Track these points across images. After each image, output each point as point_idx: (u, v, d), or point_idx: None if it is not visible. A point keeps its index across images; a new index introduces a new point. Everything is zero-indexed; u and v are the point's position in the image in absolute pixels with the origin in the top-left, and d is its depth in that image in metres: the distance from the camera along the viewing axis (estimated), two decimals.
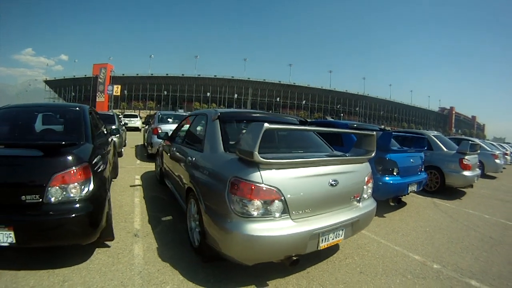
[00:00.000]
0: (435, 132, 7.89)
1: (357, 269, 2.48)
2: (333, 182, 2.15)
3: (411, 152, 4.78)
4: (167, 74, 69.71)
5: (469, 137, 15.10)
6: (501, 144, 16.80)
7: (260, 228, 1.84)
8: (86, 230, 2.18)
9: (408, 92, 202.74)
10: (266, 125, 1.81)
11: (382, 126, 11.38)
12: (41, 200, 2.03)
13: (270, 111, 62.61)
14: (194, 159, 2.76)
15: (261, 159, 1.82)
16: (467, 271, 2.63)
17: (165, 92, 67.27)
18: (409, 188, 4.38)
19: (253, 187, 1.86)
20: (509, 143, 28.76)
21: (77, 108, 3.34)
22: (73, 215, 2.07)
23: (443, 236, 3.53)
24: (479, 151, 7.18)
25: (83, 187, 2.15)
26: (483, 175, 8.94)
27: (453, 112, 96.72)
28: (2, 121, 3.11)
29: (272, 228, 1.86)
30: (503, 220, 4.50)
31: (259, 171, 1.89)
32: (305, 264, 2.41)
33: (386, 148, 4.16)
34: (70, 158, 2.14)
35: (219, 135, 2.56)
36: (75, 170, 2.11)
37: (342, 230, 2.19)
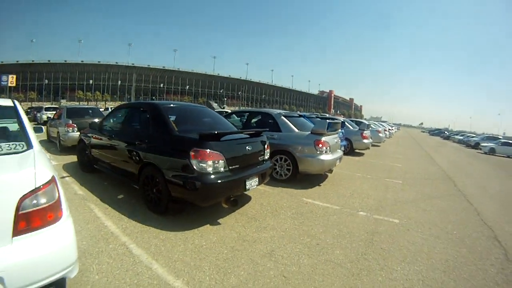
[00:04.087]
0: (342, 117, 12.09)
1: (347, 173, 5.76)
2: (336, 141, 5.39)
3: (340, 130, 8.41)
4: (49, 61, 59.31)
5: (350, 118, 20.87)
6: (381, 123, 23.89)
7: (323, 156, 4.75)
8: (271, 174, 4.07)
9: (289, 77, 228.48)
10: (328, 120, 4.88)
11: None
12: (263, 158, 3.84)
13: (154, 98, 63.24)
14: (277, 136, 5.08)
15: (328, 133, 4.81)
16: (383, 178, 6.40)
17: (47, 81, 57.78)
18: (342, 148, 7.93)
19: (325, 142, 4.76)
20: (386, 121, 39.18)
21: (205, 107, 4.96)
22: (271, 165, 3.98)
23: (365, 169, 7.44)
24: (370, 128, 11.75)
25: (269, 152, 4.06)
26: (372, 144, 13.91)
27: (332, 95, 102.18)
28: (198, 118, 4.29)
29: (329, 156, 4.84)
30: (390, 163, 8.86)
31: (324, 137, 4.81)
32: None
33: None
34: (265, 136, 4.04)
35: (291, 124, 5.23)
36: (268, 143, 4.02)
37: (340, 160, 5.43)
